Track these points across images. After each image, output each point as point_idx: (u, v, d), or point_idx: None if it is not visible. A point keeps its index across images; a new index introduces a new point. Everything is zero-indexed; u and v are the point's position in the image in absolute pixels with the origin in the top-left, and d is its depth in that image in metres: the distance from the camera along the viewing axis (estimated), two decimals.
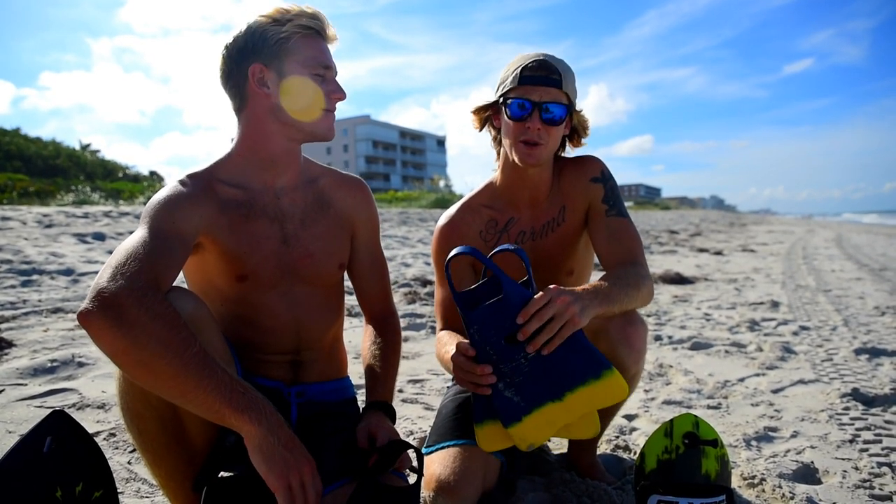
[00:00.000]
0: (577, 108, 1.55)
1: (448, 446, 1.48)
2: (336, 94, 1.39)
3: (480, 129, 1.66)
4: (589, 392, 1.25)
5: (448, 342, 1.52)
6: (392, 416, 1.43)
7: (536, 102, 1.47)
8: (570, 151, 1.70)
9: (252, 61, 1.33)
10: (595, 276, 1.63)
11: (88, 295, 1.05)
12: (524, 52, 1.54)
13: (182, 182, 1.35)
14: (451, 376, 1.67)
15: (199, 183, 1.36)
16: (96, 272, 5.46)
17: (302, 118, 1.37)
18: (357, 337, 3.38)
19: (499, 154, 1.68)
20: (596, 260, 1.70)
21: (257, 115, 1.36)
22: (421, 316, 4.16)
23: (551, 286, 1.25)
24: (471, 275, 1.65)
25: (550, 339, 1.21)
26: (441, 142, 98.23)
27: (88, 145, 34.42)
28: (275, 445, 1.09)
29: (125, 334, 1.02)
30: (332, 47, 1.41)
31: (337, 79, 1.41)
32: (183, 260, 1.24)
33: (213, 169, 1.41)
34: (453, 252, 1.30)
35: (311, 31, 1.35)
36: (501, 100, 1.54)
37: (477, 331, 1.25)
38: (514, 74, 1.50)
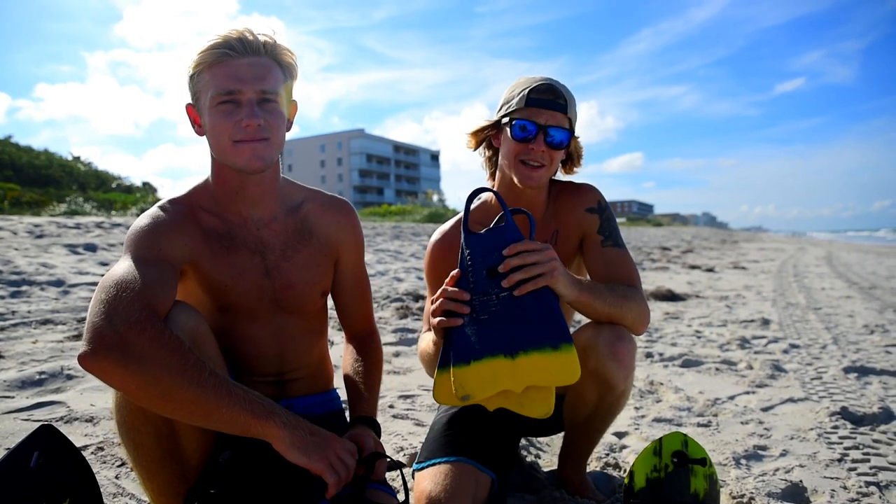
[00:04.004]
0: (576, 133, 1.56)
1: (439, 463, 1.48)
2: (245, 121, 1.22)
3: (475, 149, 1.66)
4: (542, 360, 1.23)
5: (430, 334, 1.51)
6: (377, 430, 1.42)
7: (542, 125, 1.48)
8: (562, 177, 1.70)
9: (188, 103, 1.31)
10: None
11: (85, 336, 1.02)
12: (527, 75, 1.56)
13: (163, 208, 1.32)
14: None
15: (181, 209, 1.34)
16: (87, 283, 5.42)
17: (220, 156, 1.30)
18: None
19: (492, 174, 1.68)
20: None
21: (209, 151, 1.34)
22: (413, 331, 4.15)
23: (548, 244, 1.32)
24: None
25: (525, 281, 1.25)
26: (435, 156, 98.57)
27: (78, 158, 34.29)
28: (304, 437, 1.15)
29: (135, 370, 1.01)
30: (258, 60, 1.25)
31: (274, 99, 1.26)
32: (175, 286, 1.22)
33: (193, 195, 1.38)
34: (477, 189, 1.41)
35: (217, 55, 1.22)
36: (507, 119, 1.53)
37: (470, 254, 1.30)
38: (521, 95, 1.50)
